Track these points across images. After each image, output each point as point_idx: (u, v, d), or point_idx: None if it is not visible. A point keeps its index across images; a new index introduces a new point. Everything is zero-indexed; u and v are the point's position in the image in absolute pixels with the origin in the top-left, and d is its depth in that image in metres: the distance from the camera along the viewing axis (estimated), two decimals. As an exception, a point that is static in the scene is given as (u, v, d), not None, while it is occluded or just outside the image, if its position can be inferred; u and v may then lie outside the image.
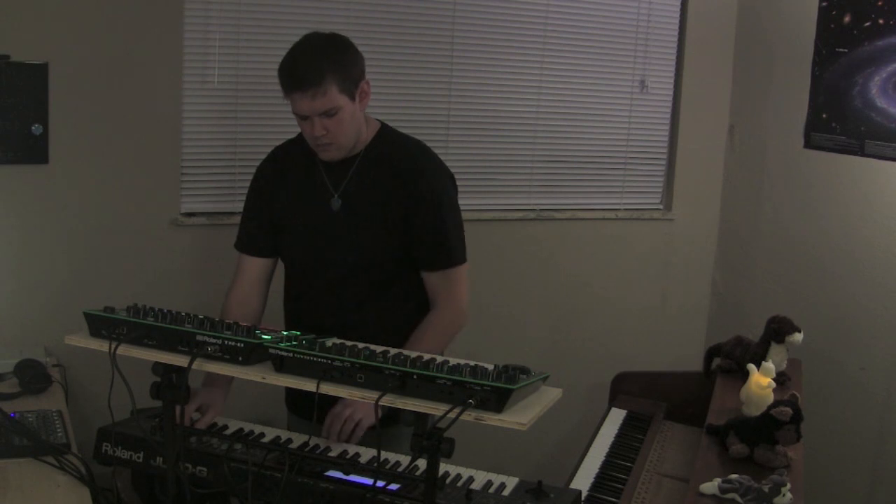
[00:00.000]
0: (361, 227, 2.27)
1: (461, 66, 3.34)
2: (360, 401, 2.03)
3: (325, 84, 2.11)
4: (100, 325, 1.80)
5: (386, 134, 2.33)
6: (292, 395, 2.45)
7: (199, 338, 1.73)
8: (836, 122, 3.16)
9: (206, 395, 2.16)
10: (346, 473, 1.87)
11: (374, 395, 1.61)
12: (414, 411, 1.58)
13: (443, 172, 2.33)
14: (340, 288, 2.32)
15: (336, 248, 2.29)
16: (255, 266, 2.38)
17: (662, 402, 2.93)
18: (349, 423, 2.05)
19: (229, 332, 1.74)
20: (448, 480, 1.91)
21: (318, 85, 2.11)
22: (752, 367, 2.50)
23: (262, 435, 2.10)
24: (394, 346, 1.82)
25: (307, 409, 2.25)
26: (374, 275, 2.30)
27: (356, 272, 2.30)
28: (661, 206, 3.81)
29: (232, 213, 3.03)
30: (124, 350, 1.76)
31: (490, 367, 1.61)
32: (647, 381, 3.03)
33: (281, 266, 2.44)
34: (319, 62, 2.12)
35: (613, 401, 2.99)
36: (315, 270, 2.33)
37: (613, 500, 2.27)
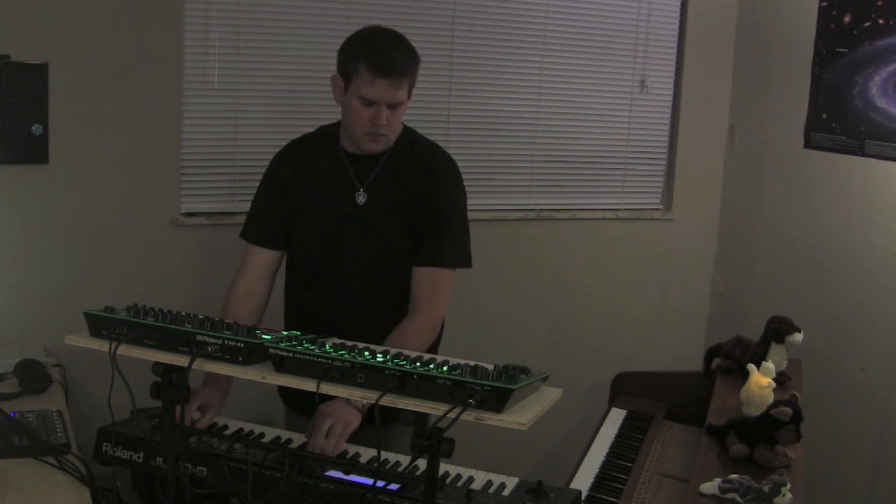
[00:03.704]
0: (383, 222, 2.29)
1: (461, 66, 3.34)
2: (338, 408, 2.04)
3: (406, 78, 2.21)
4: (100, 325, 1.80)
5: (411, 135, 2.38)
6: (287, 390, 2.44)
7: (199, 338, 1.73)
8: (836, 122, 3.16)
9: (207, 395, 2.15)
10: (346, 473, 1.87)
11: (374, 395, 1.61)
12: (414, 411, 1.58)
13: (459, 180, 2.39)
14: (354, 283, 2.32)
15: (357, 242, 2.30)
16: (263, 258, 2.36)
17: (662, 402, 2.93)
18: (332, 439, 2.01)
19: (229, 332, 1.74)
20: (448, 480, 1.90)
21: (403, 77, 2.20)
22: (752, 367, 2.50)
23: (262, 435, 2.10)
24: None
25: (302, 404, 2.25)
26: (390, 271, 2.32)
27: (373, 267, 2.31)
28: (661, 206, 3.81)
29: (232, 213, 3.03)
30: (124, 350, 1.76)
31: (490, 367, 1.61)
32: (647, 381, 3.03)
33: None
34: (409, 57, 2.23)
35: (613, 401, 3.00)
36: (331, 264, 2.33)
37: (613, 500, 2.27)
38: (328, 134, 2.38)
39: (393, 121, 2.24)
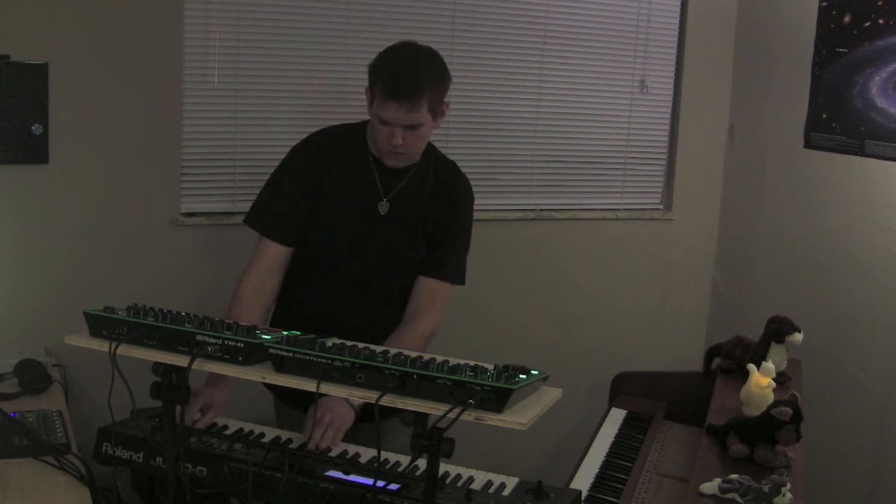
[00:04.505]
0: (402, 233, 2.32)
1: (461, 66, 3.33)
2: (336, 404, 2.06)
3: (422, 102, 2.16)
4: (100, 325, 1.80)
5: (433, 148, 2.40)
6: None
7: (199, 338, 1.73)
8: (836, 122, 3.16)
9: (209, 395, 2.15)
10: (346, 473, 1.87)
11: (374, 395, 1.61)
12: (414, 411, 1.58)
13: (472, 201, 2.44)
14: (361, 287, 2.34)
15: (373, 250, 2.32)
16: (276, 252, 2.32)
17: (662, 402, 2.94)
18: (330, 432, 2.04)
19: (229, 332, 1.74)
20: (448, 480, 1.91)
21: (417, 101, 2.15)
22: (752, 367, 2.50)
23: (262, 435, 2.10)
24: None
25: (292, 396, 2.24)
26: (399, 279, 2.35)
27: (384, 274, 2.33)
28: (661, 206, 3.81)
29: (232, 213, 3.03)
30: (124, 350, 1.76)
31: (490, 367, 1.61)
32: (647, 381, 3.03)
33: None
34: (425, 80, 2.17)
35: (613, 401, 3.00)
36: (342, 268, 2.34)
37: (613, 500, 2.27)
38: (356, 134, 2.35)
39: (412, 141, 2.22)
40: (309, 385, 1.66)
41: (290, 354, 1.68)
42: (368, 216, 2.31)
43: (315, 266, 2.36)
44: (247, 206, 2.43)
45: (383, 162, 2.29)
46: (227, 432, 2.11)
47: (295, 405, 2.38)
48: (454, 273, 2.38)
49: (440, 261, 2.34)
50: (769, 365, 2.49)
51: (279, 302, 2.44)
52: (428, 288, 2.33)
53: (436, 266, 2.34)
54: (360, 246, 2.32)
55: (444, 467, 1.89)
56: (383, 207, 2.31)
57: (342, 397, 2.05)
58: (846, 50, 3.11)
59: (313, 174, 2.32)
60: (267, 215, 2.34)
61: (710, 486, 2.01)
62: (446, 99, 2.27)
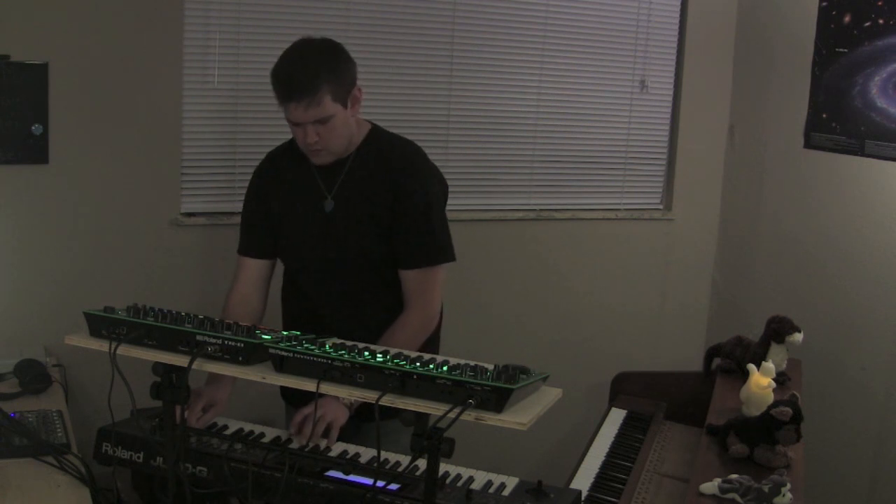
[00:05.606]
0: (353, 227, 2.29)
1: (461, 66, 3.34)
2: (330, 401, 2.07)
3: (320, 94, 2.12)
4: (100, 325, 1.80)
5: (377, 135, 2.34)
6: (287, 388, 2.46)
7: (199, 338, 1.73)
8: (836, 122, 3.16)
9: (211, 393, 2.16)
10: (346, 473, 1.87)
11: (374, 395, 1.61)
12: (414, 411, 1.58)
13: (430, 173, 2.35)
14: (335, 288, 2.34)
15: (330, 248, 2.31)
16: (254, 267, 2.39)
17: (662, 402, 2.94)
18: (321, 424, 2.05)
19: (229, 332, 1.74)
20: (448, 480, 1.91)
21: (313, 95, 2.11)
22: (752, 367, 2.50)
23: (262, 435, 2.10)
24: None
25: (302, 402, 2.26)
26: (367, 275, 2.32)
27: (349, 272, 2.32)
28: (661, 206, 3.81)
29: (232, 213, 3.03)
30: (124, 350, 1.76)
31: (490, 367, 1.61)
32: (647, 381, 3.03)
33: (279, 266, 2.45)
34: (314, 72, 2.12)
35: (613, 401, 3.00)
36: (310, 271, 2.36)
37: (613, 500, 2.27)
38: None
39: (327, 134, 2.18)
40: (309, 385, 1.66)
41: (290, 354, 1.68)
42: (317, 216, 2.31)
43: (294, 273, 2.41)
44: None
45: (311, 161, 2.28)
46: (227, 432, 2.11)
47: None
48: (437, 255, 2.31)
49: (419, 249, 2.29)
50: (769, 365, 2.49)
51: (284, 308, 2.48)
52: (414, 279, 2.30)
53: (416, 256, 2.29)
54: (317, 247, 2.32)
55: (444, 467, 1.89)
56: (329, 205, 2.29)
57: (334, 397, 2.06)
58: (846, 50, 3.11)
59: (267, 188, 2.37)
60: (240, 234, 2.42)
61: (710, 486, 2.01)
62: (358, 84, 2.22)
